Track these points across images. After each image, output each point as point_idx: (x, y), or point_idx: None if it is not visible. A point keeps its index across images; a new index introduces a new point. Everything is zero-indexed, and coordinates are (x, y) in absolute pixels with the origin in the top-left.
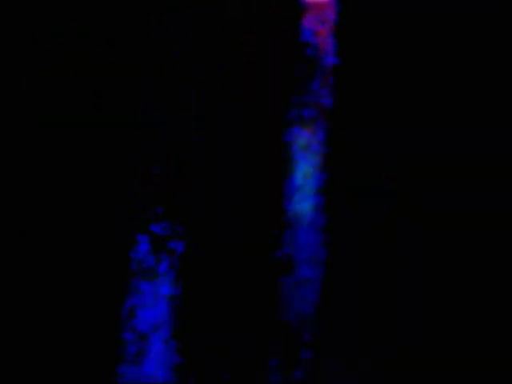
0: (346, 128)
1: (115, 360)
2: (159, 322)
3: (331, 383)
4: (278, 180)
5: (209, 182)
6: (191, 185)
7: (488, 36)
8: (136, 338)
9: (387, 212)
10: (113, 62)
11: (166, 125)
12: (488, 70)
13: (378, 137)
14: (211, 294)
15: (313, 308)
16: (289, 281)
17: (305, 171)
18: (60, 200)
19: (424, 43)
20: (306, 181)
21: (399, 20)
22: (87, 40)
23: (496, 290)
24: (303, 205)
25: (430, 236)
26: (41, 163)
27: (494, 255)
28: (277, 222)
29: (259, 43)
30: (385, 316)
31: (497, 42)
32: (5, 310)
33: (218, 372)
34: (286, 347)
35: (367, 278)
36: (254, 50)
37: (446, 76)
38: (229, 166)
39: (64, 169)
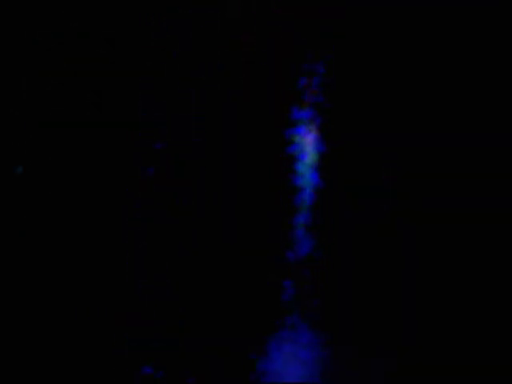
0: (346, 128)
1: (117, 361)
2: (160, 322)
3: (332, 383)
4: (278, 180)
5: (209, 181)
6: (191, 185)
7: (486, 38)
8: (137, 339)
9: (387, 212)
10: (113, 62)
11: (166, 125)
12: (487, 72)
13: (377, 137)
14: (211, 294)
15: (313, 308)
16: (289, 281)
17: (305, 171)
18: (60, 199)
19: (423, 45)
20: (306, 180)
21: (398, 21)
22: (87, 40)
23: (496, 289)
24: (303, 205)
25: (430, 236)
26: (41, 163)
27: (493, 255)
28: (276, 222)
29: (259, 43)
30: (385, 316)
31: (495, 45)
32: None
33: (218, 372)
34: (286, 347)
35: (367, 277)
36: (253, 50)
37: (445, 77)
38: (229, 166)
39: (64, 168)
